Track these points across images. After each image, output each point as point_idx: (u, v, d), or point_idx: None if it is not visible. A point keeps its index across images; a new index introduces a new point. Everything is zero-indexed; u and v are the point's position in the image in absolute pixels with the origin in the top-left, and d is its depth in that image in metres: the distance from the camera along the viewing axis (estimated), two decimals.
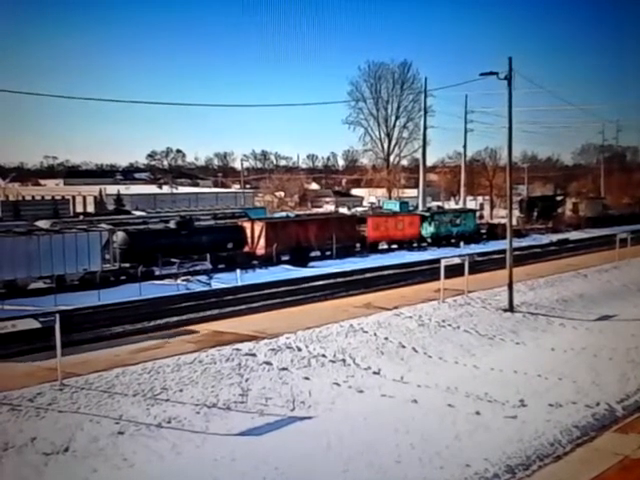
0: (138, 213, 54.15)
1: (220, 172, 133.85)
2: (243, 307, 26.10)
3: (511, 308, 22.10)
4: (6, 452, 10.68)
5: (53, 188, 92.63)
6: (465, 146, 71.97)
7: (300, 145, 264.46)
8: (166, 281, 32.23)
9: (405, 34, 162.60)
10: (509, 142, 23.29)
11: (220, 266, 35.53)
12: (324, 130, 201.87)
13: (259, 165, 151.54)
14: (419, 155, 71.84)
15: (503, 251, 26.85)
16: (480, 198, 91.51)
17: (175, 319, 23.93)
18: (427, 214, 52.38)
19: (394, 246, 48.76)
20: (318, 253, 42.67)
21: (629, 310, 23.03)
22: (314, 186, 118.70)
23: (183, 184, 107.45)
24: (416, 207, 61.80)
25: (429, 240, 50.81)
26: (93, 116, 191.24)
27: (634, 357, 17.07)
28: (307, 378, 14.72)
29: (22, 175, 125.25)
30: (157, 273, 33.50)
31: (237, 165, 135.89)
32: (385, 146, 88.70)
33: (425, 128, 66.48)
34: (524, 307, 22.64)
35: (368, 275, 35.71)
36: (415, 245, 49.82)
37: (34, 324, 13.47)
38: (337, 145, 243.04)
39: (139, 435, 11.56)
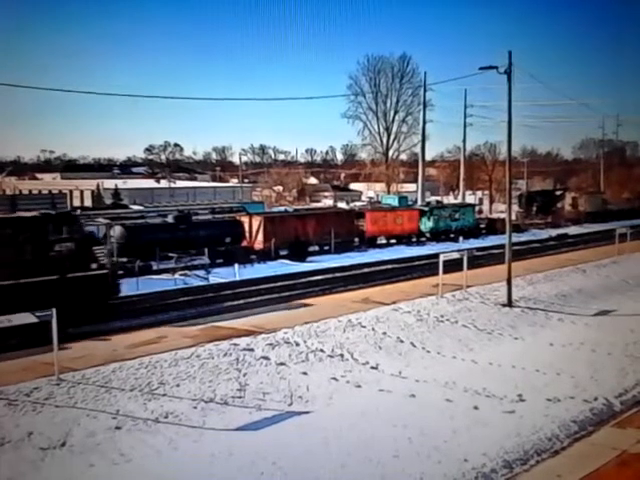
0: (136, 207, 54.04)
1: (218, 166, 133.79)
2: (241, 302, 26.07)
3: (510, 303, 22.06)
4: (3, 447, 10.65)
5: (50, 182, 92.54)
6: (464, 140, 71.94)
7: (299, 139, 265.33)
8: (164, 276, 32.16)
9: (404, 28, 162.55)
10: (508, 137, 23.22)
11: (218, 261, 35.44)
12: (323, 124, 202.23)
13: (257, 159, 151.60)
14: (418, 149, 71.85)
15: (502, 246, 26.85)
16: (479, 193, 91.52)
17: (175, 314, 23.90)
18: (426, 209, 52.26)
19: (393, 241, 48.69)
20: (316, 248, 42.62)
21: (628, 305, 23.02)
22: (312, 180, 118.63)
23: (181, 178, 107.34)
24: (415, 202, 61.76)
25: (428, 235, 50.72)
26: (90, 110, 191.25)
27: (632, 352, 17.07)
28: (305, 373, 14.69)
29: (19, 169, 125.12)
30: (155, 268, 33.40)
31: (235, 159, 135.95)
32: (384, 140, 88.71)
33: (424, 122, 66.44)
34: (523, 302, 22.61)
35: (366, 270, 35.65)
36: (414, 240, 49.74)
37: (31, 319, 13.41)
38: (336, 139, 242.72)
39: (136, 430, 11.53)
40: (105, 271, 23.33)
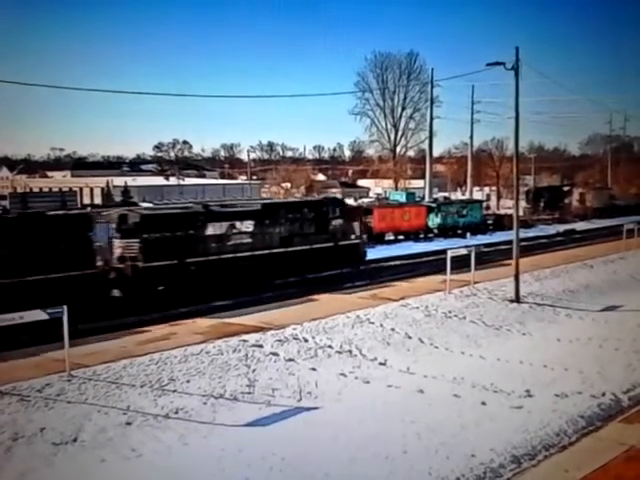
0: (145, 205, 54.16)
1: (227, 163, 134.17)
2: (250, 298, 26.10)
3: (517, 299, 22.09)
4: (16, 442, 10.76)
5: (60, 180, 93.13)
6: (472, 137, 71.93)
7: (306, 136, 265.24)
8: None
9: (412, 25, 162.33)
10: (516, 133, 23.22)
11: None
12: (330, 121, 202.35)
13: (265, 156, 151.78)
14: (425, 146, 71.93)
15: (509, 242, 26.84)
16: (487, 189, 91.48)
17: (184, 310, 23.97)
18: (434, 205, 52.25)
19: (400, 237, 48.68)
20: None
21: (635, 301, 22.96)
22: (320, 177, 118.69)
23: (190, 175, 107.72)
24: (422, 198, 61.74)
25: (435, 231, 50.70)
26: (100, 108, 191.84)
27: None
28: (314, 369, 14.77)
29: (29, 167, 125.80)
30: None
31: (244, 156, 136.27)
32: (391, 137, 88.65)
33: (432, 119, 66.45)
34: (530, 298, 22.63)
35: (374, 266, 35.66)
36: (422, 236, 49.73)
37: (42, 316, 13.54)
38: (343, 136, 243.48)
39: (147, 426, 11.62)
40: (359, 241, 31.78)
